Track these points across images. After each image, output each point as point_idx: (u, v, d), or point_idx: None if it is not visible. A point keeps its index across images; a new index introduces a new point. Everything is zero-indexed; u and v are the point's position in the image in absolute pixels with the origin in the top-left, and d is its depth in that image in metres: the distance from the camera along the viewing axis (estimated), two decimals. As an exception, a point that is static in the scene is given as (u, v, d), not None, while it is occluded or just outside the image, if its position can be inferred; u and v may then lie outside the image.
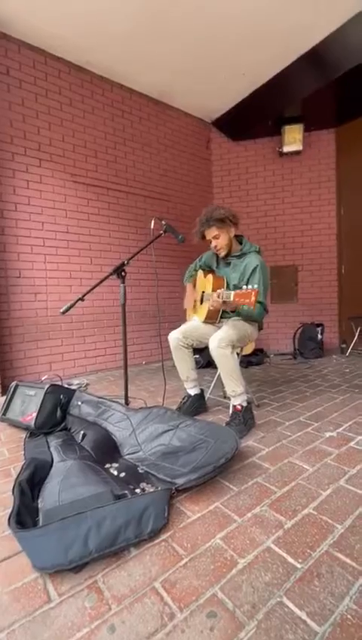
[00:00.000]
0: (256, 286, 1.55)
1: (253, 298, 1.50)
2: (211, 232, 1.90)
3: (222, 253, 1.96)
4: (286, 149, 3.86)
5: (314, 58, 2.98)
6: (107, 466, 1.40)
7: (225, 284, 1.97)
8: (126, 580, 0.84)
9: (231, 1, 2.47)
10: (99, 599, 0.79)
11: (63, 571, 0.86)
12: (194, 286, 2.24)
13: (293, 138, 3.82)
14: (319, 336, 3.76)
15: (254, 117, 3.80)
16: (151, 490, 1.18)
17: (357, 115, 3.73)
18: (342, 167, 3.95)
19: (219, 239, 1.91)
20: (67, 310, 1.76)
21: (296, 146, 3.83)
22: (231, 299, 1.59)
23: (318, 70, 3.09)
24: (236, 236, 1.98)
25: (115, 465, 1.41)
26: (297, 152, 3.92)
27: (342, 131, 3.92)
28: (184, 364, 2.01)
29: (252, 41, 2.87)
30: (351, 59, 2.88)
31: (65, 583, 0.84)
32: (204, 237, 1.95)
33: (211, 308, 1.78)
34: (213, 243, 1.93)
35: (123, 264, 1.87)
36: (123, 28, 2.70)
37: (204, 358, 3.29)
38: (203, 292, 2.08)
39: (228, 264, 2.01)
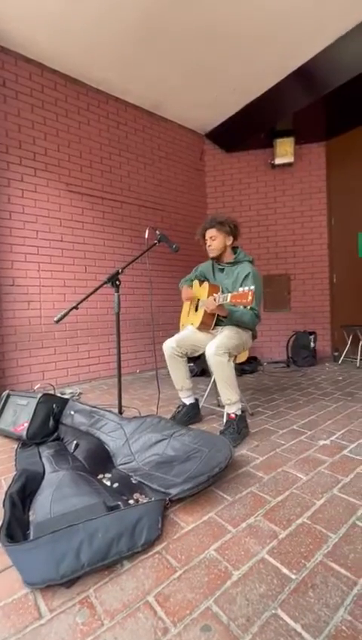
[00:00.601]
0: (252, 287, 1.57)
1: (249, 297, 1.53)
2: (210, 233, 2.02)
3: (212, 254, 2.04)
4: (278, 161, 3.95)
5: (305, 75, 3.09)
6: (100, 476, 1.38)
7: (221, 291, 1.99)
8: (119, 594, 0.83)
9: (224, 19, 2.55)
10: (92, 615, 0.78)
11: (55, 586, 0.84)
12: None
13: (285, 151, 3.91)
14: (312, 344, 3.79)
15: (247, 130, 3.90)
16: (145, 500, 1.17)
17: (346, 130, 3.85)
18: (333, 178, 4.05)
19: (214, 241, 2.01)
20: (61, 319, 1.75)
21: (288, 159, 3.93)
22: (228, 300, 1.63)
23: (308, 86, 3.20)
24: (233, 248, 2.06)
25: (108, 475, 1.39)
26: (289, 164, 4.01)
27: (332, 144, 4.03)
28: (179, 373, 2.01)
29: (244, 57, 2.96)
30: (340, 76, 2.99)
31: (57, 599, 0.82)
32: (204, 236, 2.06)
33: (207, 310, 1.81)
34: (208, 242, 2.03)
35: (117, 273, 1.87)
36: (118, 43, 2.76)
37: (198, 367, 3.29)
38: (198, 300, 2.10)
39: (222, 270, 2.06)
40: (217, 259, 2.07)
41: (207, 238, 2.04)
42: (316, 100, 3.24)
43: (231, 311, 1.82)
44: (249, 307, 1.76)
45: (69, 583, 0.85)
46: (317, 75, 3.06)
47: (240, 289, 1.61)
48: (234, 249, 2.08)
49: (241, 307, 1.80)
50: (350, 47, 2.75)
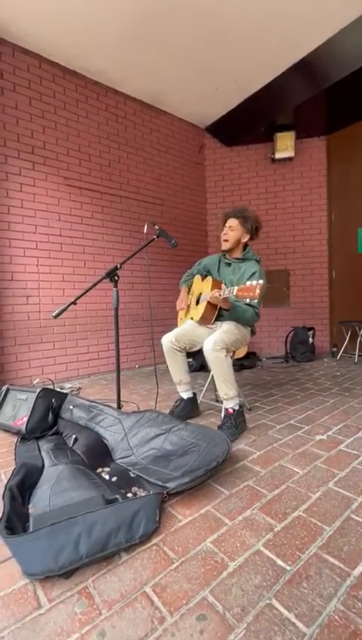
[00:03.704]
0: (261, 281, 1.53)
1: (257, 291, 1.49)
2: (231, 222, 2.02)
3: (225, 246, 2.03)
4: (278, 155, 3.92)
5: (305, 68, 3.05)
6: (99, 470, 1.40)
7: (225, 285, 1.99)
8: (117, 584, 0.85)
9: (225, 12, 2.52)
10: (90, 604, 0.79)
11: (54, 577, 0.86)
12: (189, 290, 2.25)
13: (285, 145, 3.88)
14: (310, 339, 3.80)
15: (247, 124, 3.86)
16: (143, 494, 1.19)
17: (347, 124, 3.82)
18: (333, 174, 4.03)
19: (233, 231, 2.00)
20: (60, 314, 1.75)
21: (288, 153, 3.90)
22: (235, 293, 1.59)
23: (309, 80, 3.16)
24: (244, 245, 2.07)
25: (107, 469, 1.41)
26: (289, 159, 3.98)
27: (333, 139, 4.00)
28: (177, 367, 2.02)
29: (245, 49, 2.92)
30: (340, 69, 2.95)
31: (56, 589, 0.84)
32: (224, 223, 2.05)
33: (211, 301, 1.80)
34: (225, 231, 2.02)
35: (116, 268, 1.87)
36: (116, 35, 2.72)
37: (197, 362, 3.30)
38: (200, 294, 2.09)
39: (229, 265, 2.06)
40: (226, 252, 2.08)
41: (226, 225, 2.02)
42: (317, 93, 3.21)
43: (234, 306, 1.81)
44: (251, 304, 1.76)
45: (68, 573, 0.86)
46: (319, 67, 3.03)
47: (248, 282, 1.57)
48: (245, 246, 2.09)
49: (243, 304, 1.80)
50: (352, 39, 2.71)
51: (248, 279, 1.88)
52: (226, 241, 2.02)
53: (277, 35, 2.76)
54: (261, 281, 1.53)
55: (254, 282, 1.54)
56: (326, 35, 2.76)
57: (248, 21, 2.62)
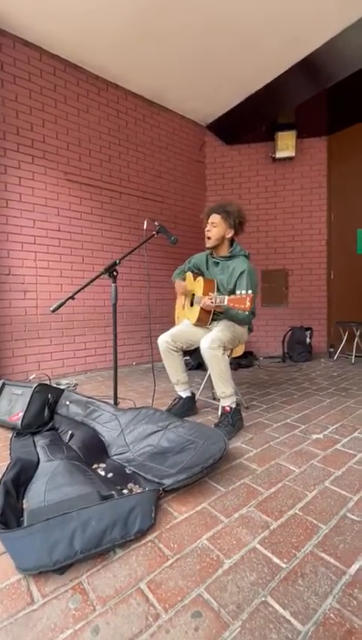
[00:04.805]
0: (250, 292, 1.55)
1: (248, 304, 1.51)
2: (213, 218, 1.95)
3: (209, 244, 1.98)
4: (279, 154, 3.91)
5: (308, 67, 3.04)
6: (94, 466, 1.39)
7: (216, 287, 1.97)
8: (111, 580, 0.84)
9: (227, 9, 2.50)
10: (84, 600, 0.78)
11: (47, 572, 0.85)
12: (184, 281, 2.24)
13: (286, 144, 3.87)
14: (308, 339, 3.81)
15: (248, 122, 3.85)
16: (139, 490, 1.18)
17: (348, 125, 3.82)
18: (333, 174, 4.03)
19: (215, 228, 1.94)
20: (57, 308, 1.74)
21: (289, 152, 3.89)
22: (226, 303, 1.60)
23: (311, 79, 3.15)
24: (230, 240, 2.00)
25: (103, 465, 1.40)
26: (290, 158, 3.98)
27: (334, 139, 4.00)
28: (174, 367, 2.01)
29: (247, 47, 2.91)
30: (343, 69, 2.95)
31: (50, 585, 0.83)
32: (208, 219, 1.99)
33: (204, 307, 1.79)
34: (208, 227, 1.96)
35: (115, 263, 1.86)
36: (119, 29, 2.70)
37: (194, 360, 3.30)
38: (193, 294, 2.08)
39: (217, 264, 2.02)
40: (212, 250, 2.03)
41: (209, 222, 1.96)
42: (319, 93, 3.20)
43: (227, 308, 1.80)
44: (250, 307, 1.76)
45: (62, 569, 0.86)
46: (321, 67, 3.02)
47: (238, 292, 1.58)
48: (231, 242, 2.03)
49: None
50: (354, 39, 2.70)
51: (237, 279, 1.86)
52: (209, 238, 1.95)
53: (280, 33, 2.75)
54: (250, 292, 1.54)
55: (244, 292, 1.55)
56: (328, 34, 2.75)
57: (251, 19, 2.61)
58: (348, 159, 3.89)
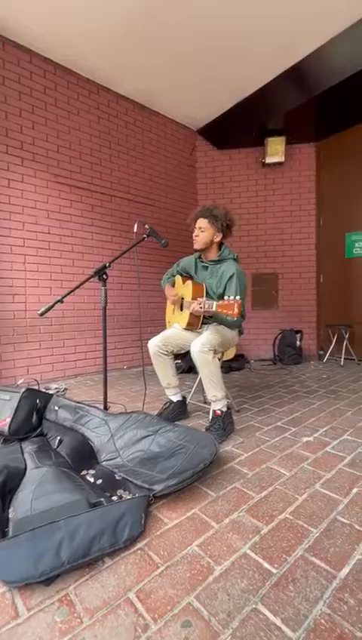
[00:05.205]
0: (238, 297, 1.55)
1: (236, 310, 1.51)
2: (201, 222, 1.93)
3: (197, 247, 1.97)
4: (268, 159, 3.96)
5: (296, 75, 3.10)
6: (83, 472, 1.36)
7: (205, 291, 1.97)
8: (99, 591, 0.82)
9: (218, 15, 2.53)
10: (71, 613, 0.76)
11: (33, 584, 0.82)
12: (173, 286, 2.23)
13: (276, 150, 3.93)
14: (298, 342, 3.84)
15: (238, 127, 3.90)
16: (128, 497, 1.16)
17: (336, 131, 3.89)
18: (322, 179, 4.10)
19: (203, 232, 1.93)
20: (45, 312, 1.71)
21: (279, 158, 3.94)
22: (214, 309, 1.60)
23: (299, 87, 3.21)
24: (218, 243, 1.99)
25: (92, 471, 1.37)
26: (279, 164, 4.03)
27: (322, 146, 4.07)
28: (164, 371, 2.00)
29: (237, 54, 2.95)
30: (330, 77, 3.01)
31: (35, 597, 0.80)
32: (195, 223, 1.97)
33: (193, 313, 1.79)
34: (196, 232, 1.95)
35: (105, 267, 1.85)
36: (109, 33, 2.70)
37: (185, 364, 3.29)
38: (182, 298, 2.07)
39: (206, 268, 2.01)
40: (201, 253, 2.03)
41: (196, 226, 1.95)
42: (307, 100, 3.26)
43: (216, 313, 1.80)
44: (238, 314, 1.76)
45: (49, 580, 0.83)
46: (309, 75, 3.08)
47: (226, 298, 1.59)
48: (220, 244, 2.01)
49: None
50: (342, 48, 2.77)
51: (226, 283, 1.85)
52: (198, 243, 1.94)
53: (269, 41, 2.79)
54: (238, 297, 1.54)
55: (233, 298, 1.55)
56: (317, 42, 2.80)
57: (242, 26, 2.65)
58: (336, 165, 3.97)
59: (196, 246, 1.97)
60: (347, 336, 3.66)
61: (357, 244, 3.85)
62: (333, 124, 3.77)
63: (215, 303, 1.60)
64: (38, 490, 1.16)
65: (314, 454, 1.52)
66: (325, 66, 2.96)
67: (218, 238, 1.95)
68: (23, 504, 1.11)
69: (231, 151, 4.23)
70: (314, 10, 2.49)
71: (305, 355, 4.01)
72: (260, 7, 2.47)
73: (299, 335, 3.87)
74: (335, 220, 4.00)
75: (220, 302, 1.59)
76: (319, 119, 3.71)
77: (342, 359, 3.65)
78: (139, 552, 0.94)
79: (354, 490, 1.22)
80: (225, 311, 1.56)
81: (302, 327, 4.08)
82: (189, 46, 2.85)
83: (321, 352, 3.98)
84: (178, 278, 2.17)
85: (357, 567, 0.88)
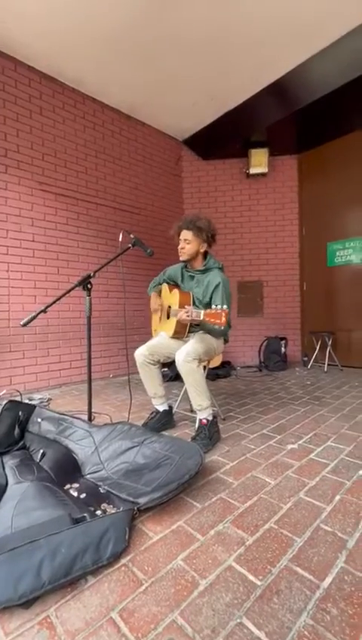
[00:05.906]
0: (225, 306, 1.56)
1: (223, 319, 1.52)
2: (185, 235, 1.93)
3: (183, 257, 1.97)
4: (252, 170, 4.06)
5: (278, 90, 3.20)
6: (67, 486, 1.33)
7: (191, 300, 1.98)
8: (81, 612, 0.80)
9: (197, 30, 2.60)
10: (51, 636, 0.74)
11: (12, 607, 0.80)
12: (159, 295, 2.24)
13: (259, 161, 4.03)
14: (283, 349, 3.90)
15: (223, 139, 3.98)
16: (113, 511, 1.14)
17: (316, 145, 4.03)
18: (304, 190, 4.22)
19: (188, 244, 1.93)
20: (28, 322, 1.69)
21: (262, 169, 4.05)
22: (202, 317, 1.60)
23: (281, 101, 3.32)
24: (203, 253, 2.01)
25: (76, 485, 1.34)
26: (263, 174, 4.13)
27: (303, 158, 4.20)
28: (151, 380, 1.99)
29: (220, 68, 3.03)
30: (311, 93, 3.12)
31: (14, 621, 0.78)
32: (179, 235, 1.97)
33: (180, 321, 1.79)
34: (182, 245, 1.95)
35: (89, 276, 1.84)
36: (95, 44, 2.73)
37: (172, 372, 3.28)
38: (169, 307, 2.08)
39: (192, 278, 2.02)
40: (187, 263, 2.04)
41: (181, 238, 1.95)
42: (288, 114, 3.37)
43: (203, 322, 1.81)
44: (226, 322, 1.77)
45: (28, 603, 0.80)
46: (290, 90, 3.19)
47: (214, 307, 1.59)
48: (205, 254, 2.04)
49: None
50: (322, 65, 2.89)
51: (213, 292, 1.87)
52: (184, 254, 1.96)
53: (252, 56, 2.89)
54: (225, 307, 1.56)
55: (220, 307, 1.56)
56: (298, 59, 2.91)
57: (226, 40, 2.72)
58: (318, 176, 4.10)
59: (182, 258, 1.98)
60: (330, 342, 3.74)
61: (338, 253, 3.96)
62: (313, 137, 3.91)
63: (202, 311, 1.61)
64: (20, 507, 1.12)
65: (298, 462, 1.54)
66: (305, 82, 3.07)
67: (203, 248, 1.97)
68: (3, 521, 1.08)
69: (216, 161, 4.31)
70: (295, 30, 2.60)
71: (290, 362, 4.07)
72: (242, 26, 2.56)
73: (283, 342, 3.93)
74: (318, 229, 4.12)
75: (208, 310, 1.60)
76: (300, 133, 3.84)
77: (326, 365, 3.72)
78: (123, 568, 0.92)
79: (337, 498, 1.24)
80: (213, 320, 1.56)
81: (287, 334, 4.15)
82: (174, 58, 2.91)
83: (305, 359, 4.05)
84: (165, 287, 2.17)
85: (339, 575, 0.89)
